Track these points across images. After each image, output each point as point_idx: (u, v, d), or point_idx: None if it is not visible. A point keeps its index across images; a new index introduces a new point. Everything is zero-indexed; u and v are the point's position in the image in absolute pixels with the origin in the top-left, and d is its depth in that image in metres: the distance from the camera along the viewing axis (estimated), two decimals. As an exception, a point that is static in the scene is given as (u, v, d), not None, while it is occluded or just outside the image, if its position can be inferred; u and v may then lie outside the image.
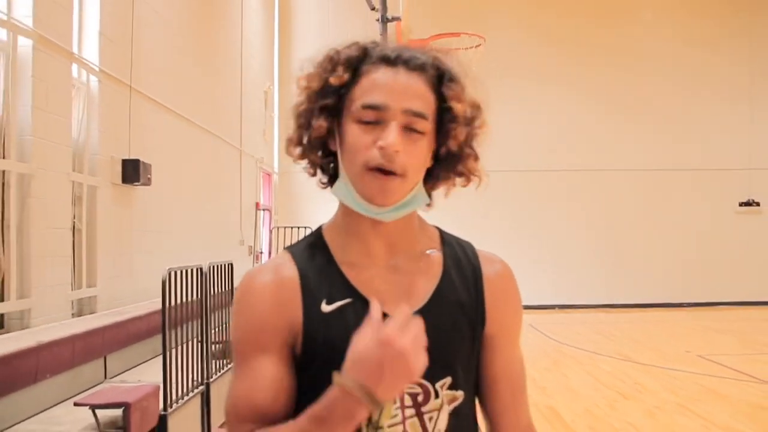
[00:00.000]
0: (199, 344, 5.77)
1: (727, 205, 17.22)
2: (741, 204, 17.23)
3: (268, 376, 1.26)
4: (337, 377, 1.12)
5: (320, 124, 1.26)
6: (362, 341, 1.11)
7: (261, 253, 14.67)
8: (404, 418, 1.26)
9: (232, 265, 6.79)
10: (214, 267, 6.21)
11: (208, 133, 10.65)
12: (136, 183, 7.47)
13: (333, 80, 1.25)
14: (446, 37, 8.63)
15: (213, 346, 6.16)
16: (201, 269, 5.84)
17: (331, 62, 1.27)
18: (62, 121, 6.11)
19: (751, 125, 17.20)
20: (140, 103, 7.84)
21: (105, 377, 5.72)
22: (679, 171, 17.09)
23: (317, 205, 15.60)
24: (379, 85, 1.23)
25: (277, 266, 1.32)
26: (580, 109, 17.05)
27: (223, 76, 11.84)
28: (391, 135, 1.20)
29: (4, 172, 5.37)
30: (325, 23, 16.80)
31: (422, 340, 1.13)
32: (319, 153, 1.32)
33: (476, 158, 1.33)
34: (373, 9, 8.61)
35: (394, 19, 8.20)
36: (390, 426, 1.25)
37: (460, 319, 1.32)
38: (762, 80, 17.23)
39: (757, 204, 17.18)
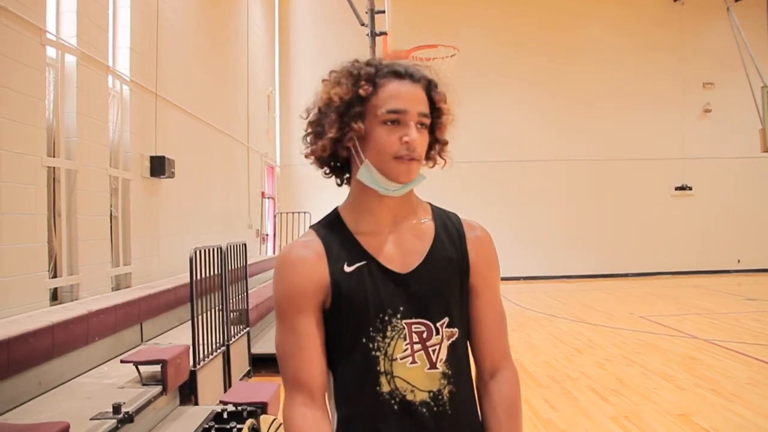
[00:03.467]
0: (220, 312, 5.94)
1: (665, 189, 17.47)
2: (676, 188, 17.47)
3: (304, 334, 1.41)
4: None
5: (360, 126, 1.39)
6: None
7: (267, 235, 14.72)
8: (413, 351, 1.40)
9: (245, 245, 6.96)
10: (231, 246, 6.37)
11: (220, 132, 10.72)
12: (162, 176, 7.56)
13: (362, 92, 1.39)
14: (426, 49, 8.71)
15: (231, 314, 6.33)
16: (220, 248, 6.00)
17: (354, 77, 1.41)
18: (101, 124, 6.20)
19: (683, 123, 17.44)
20: (164, 108, 7.94)
21: (141, 340, 5.84)
22: (625, 161, 17.33)
23: (313, 193, 15.80)
24: (397, 95, 1.39)
25: (306, 242, 1.46)
26: (543, 112, 17.23)
27: (232, 83, 11.88)
28: (413, 132, 1.38)
29: (54, 168, 5.47)
30: (318, 37, 16.85)
31: None
32: (345, 150, 1.44)
33: (447, 143, 1.51)
34: (362, 25, 8.63)
35: (381, 33, 8.23)
36: (402, 358, 1.40)
37: (451, 271, 1.45)
38: (691, 85, 17.45)
39: (690, 188, 17.44)
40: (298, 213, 14.91)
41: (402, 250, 1.45)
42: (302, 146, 1.49)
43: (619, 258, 17.12)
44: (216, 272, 5.77)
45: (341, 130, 1.40)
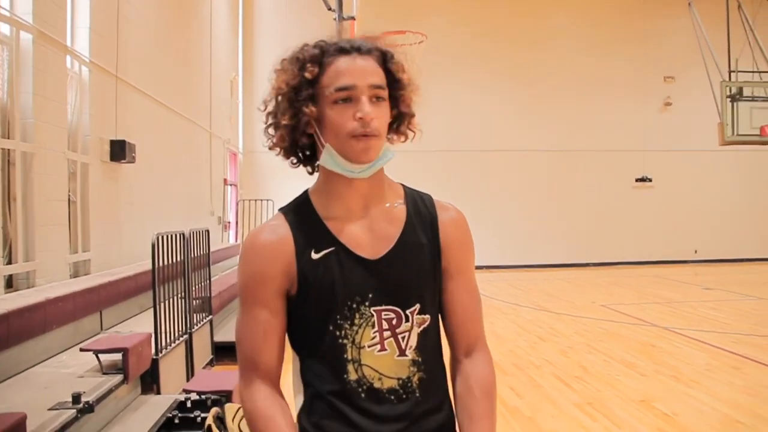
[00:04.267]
0: (182, 300, 5.83)
1: (625, 180, 17.78)
2: (637, 180, 17.80)
3: (265, 320, 1.39)
4: None
5: (311, 109, 1.35)
6: None
7: (229, 222, 14.57)
8: (382, 339, 1.38)
9: (208, 231, 6.86)
10: (193, 233, 6.26)
11: (182, 117, 10.49)
12: (123, 161, 7.35)
13: (307, 75, 1.35)
14: (393, 35, 8.65)
15: (194, 302, 6.22)
16: (183, 234, 5.89)
17: (299, 62, 1.37)
18: (58, 106, 6.00)
19: (645, 115, 17.74)
20: (125, 91, 7.72)
21: (101, 328, 5.71)
22: (587, 152, 17.55)
23: (276, 181, 15.59)
24: (344, 70, 1.34)
25: (273, 226, 1.42)
26: (507, 101, 17.34)
27: (195, 67, 11.65)
28: (366, 107, 1.32)
29: (9, 150, 5.27)
30: (283, 22, 16.61)
31: None
32: (304, 136, 1.40)
33: (414, 116, 1.46)
34: (330, 9, 8.52)
35: (349, 18, 8.14)
36: (370, 346, 1.38)
37: (422, 257, 1.43)
38: (653, 78, 17.75)
39: (650, 180, 17.78)
40: (261, 200, 14.76)
41: (372, 235, 1.42)
42: (265, 139, 1.45)
43: (581, 248, 17.37)
44: (178, 259, 5.67)
45: (294, 117, 1.37)
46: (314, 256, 1.38)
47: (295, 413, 1.44)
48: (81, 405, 3.51)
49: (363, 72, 1.34)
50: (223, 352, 6.86)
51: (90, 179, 6.80)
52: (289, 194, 1.58)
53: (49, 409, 3.43)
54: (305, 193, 1.48)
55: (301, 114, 1.36)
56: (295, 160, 1.45)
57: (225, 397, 4.42)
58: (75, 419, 3.43)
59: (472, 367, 1.48)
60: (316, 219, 1.42)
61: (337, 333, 1.37)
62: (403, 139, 1.48)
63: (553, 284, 13.77)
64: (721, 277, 14.36)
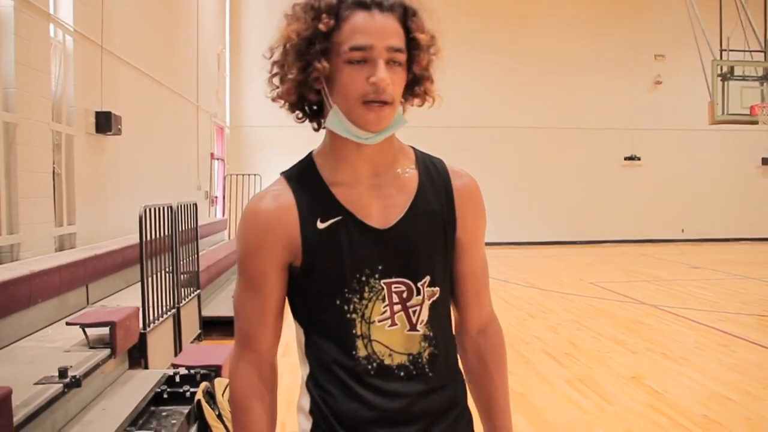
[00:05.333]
0: (170, 274, 5.76)
1: (614, 159, 17.80)
2: (625, 158, 17.83)
3: (263, 292, 1.33)
4: None
5: (324, 65, 1.24)
6: None
7: (216, 197, 14.47)
8: (392, 313, 1.31)
9: (196, 205, 6.78)
10: (181, 206, 6.18)
11: (169, 90, 10.32)
12: (108, 133, 7.20)
13: (322, 26, 1.23)
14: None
15: (182, 276, 6.16)
16: (171, 207, 5.80)
17: (314, 10, 1.25)
18: (42, 75, 5.84)
19: (634, 94, 17.72)
20: (110, 62, 7.55)
21: (87, 303, 5.64)
22: (576, 130, 17.53)
23: (263, 155, 15.53)
24: (361, 28, 1.22)
25: (275, 193, 1.33)
26: (496, 78, 17.24)
27: (181, 40, 11.44)
28: (381, 71, 1.21)
29: (-8, 120, 5.15)
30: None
31: None
32: (312, 92, 1.29)
33: (432, 81, 1.35)
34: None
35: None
36: (380, 320, 1.31)
37: (434, 226, 1.34)
38: (643, 58, 17.70)
39: (638, 158, 17.82)
40: (248, 175, 14.66)
41: (382, 203, 1.32)
42: (268, 89, 1.33)
43: (569, 226, 17.42)
44: (166, 233, 5.59)
45: (303, 71, 1.25)
46: (320, 225, 1.30)
47: (300, 382, 1.40)
48: (68, 379, 3.44)
49: (382, 32, 1.23)
50: (211, 326, 6.83)
51: (75, 151, 6.67)
52: (276, 169, 1.50)
53: (35, 384, 3.36)
54: (309, 155, 1.38)
55: (312, 69, 1.25)
56: (300, 115, 1.35)
57: (214, 371, 4.37)
58: (62, 394, 3.37)
59: (487, 341, 1.47)
60: (321, 185, 1.32)
61: (346, 307, 1.30)
62: (418, 103, 1.37)
63: (541, 261, 13.80)
64: (708, 256, 14.46)
